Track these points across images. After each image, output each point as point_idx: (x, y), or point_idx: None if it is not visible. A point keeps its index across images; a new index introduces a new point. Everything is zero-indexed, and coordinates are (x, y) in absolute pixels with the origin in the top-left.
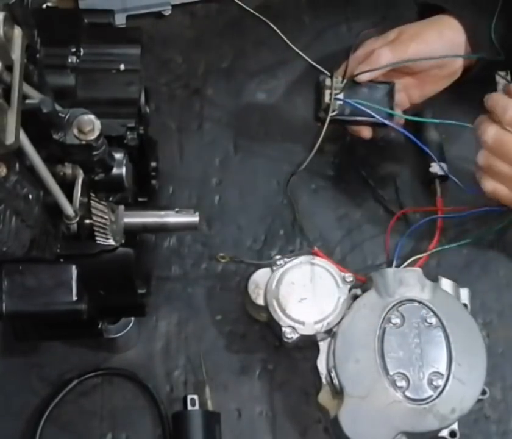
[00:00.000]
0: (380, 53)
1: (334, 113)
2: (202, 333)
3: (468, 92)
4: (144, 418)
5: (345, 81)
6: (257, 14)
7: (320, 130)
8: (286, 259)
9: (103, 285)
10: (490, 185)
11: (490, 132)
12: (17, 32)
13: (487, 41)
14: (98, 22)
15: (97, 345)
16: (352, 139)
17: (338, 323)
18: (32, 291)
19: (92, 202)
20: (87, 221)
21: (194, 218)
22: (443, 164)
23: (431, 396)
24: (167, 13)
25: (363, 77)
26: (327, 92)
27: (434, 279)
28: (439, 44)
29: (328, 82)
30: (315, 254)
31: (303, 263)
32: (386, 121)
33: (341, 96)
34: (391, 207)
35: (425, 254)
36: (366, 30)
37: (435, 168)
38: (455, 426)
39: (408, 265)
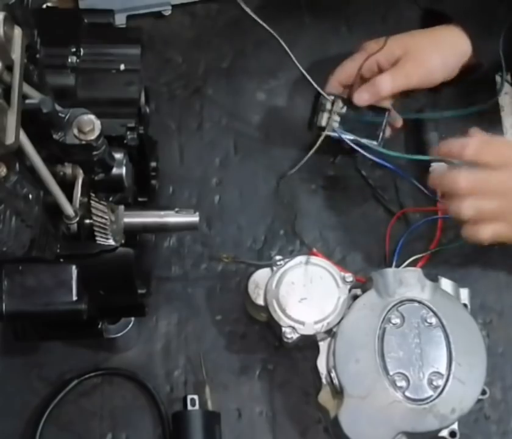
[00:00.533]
0: (381, 83)
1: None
2: (202, 333)
3: (468, 92)
4: (144, 418)
5: (344, 108)
6: (256, 17)
7: (314, 143)
8: (286, 259)
9: (103, 285)
10: (487, 231)
11: (462, 181)
12: (17, 32)
13: (491, 51)
14: (98, 22)
15: (97, 345)
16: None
17: (338, 323)
18: (32, 291)
19: (92, 202)
20: (87, 221)
21: (194, 218)
22: (443, 165)
23: (431, 396)
24: (167, 13)
25: (361, 101)
26: (325, 115)
27: (434, 279)
28: (443, 68)
29: (328, 105)
30: (313, 255)
31: (303, 263)
32: (378, 160)
33: (337, 124)
34: (391, 207)
35: (425, 254)
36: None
37: (435, 168)
38: (455, 426)
39: (408, 265)
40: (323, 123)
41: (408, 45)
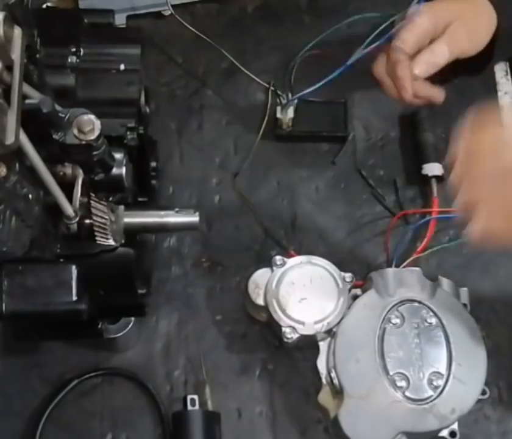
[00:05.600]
0: (439, 52)
1: (290, 129)
2: (202, 333)
3: (468, 92)
4: (144, 418)
5: (294, 98)
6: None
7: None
8: (285, 259)
9: (103, 285)
10: (485, 221)
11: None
12: (17, 32)
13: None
14: (98, 22)
15: (97, 345)
16: (353, 138)
17: (338, 323)
18: (32, 291)
19: (92, 202)
20: (87, 221)
21: (194, 218)
22: (438, 165)
23: (431, 396)
24: (167, 13)
25: (423, 72)
26: (278, 108)
27: (434, 279)
28: (488, 32)
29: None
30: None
31: (303, 263)
32: None
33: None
34: (391, 207)
35: (423, 254)
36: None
37: (427, 169)
38: (455, 426)
39: (408, 265)
40: (278, 114)
41: (455, 11)
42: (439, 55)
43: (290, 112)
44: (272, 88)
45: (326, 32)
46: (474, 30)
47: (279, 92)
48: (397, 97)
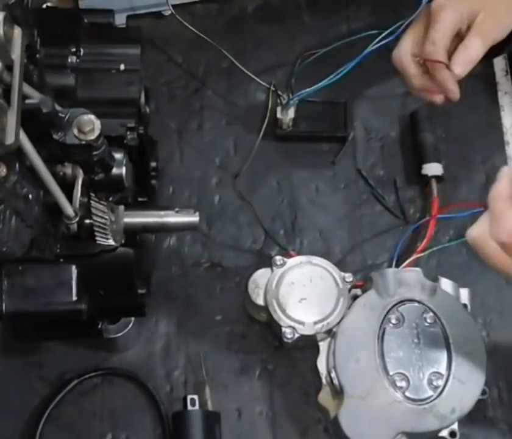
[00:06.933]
0: (474, 48)
1: (290, 129)
2: (202, 333)
3: (468, 93)
4: (144, 418)
5: (295, 98)
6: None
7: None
8: (285, 259)
9: (103, 285)
10: None
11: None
12: (17, 32)
13: None
14: (98, 22)
15: (97, 345)
16: (353, 139)
17: (338, 323)
18: (32, 291)
19: (92, 202)
20: (87, 221)
21: (194, 218)
22: (438, 165)
23: (431, 396)
24: (167, 13)
25: (461, 71)
26: (278, 109)
27: (434, 279)
28: (510, 14)
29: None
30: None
31: (303, 263)
32: None
33: (291, 104)
34: (391, 207)
35: (422, 254)
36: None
37: (426, 169)
38: (455, 426)
39: (408, 265)
40: (279, 114)
41: (480, 1)
42: (474, 50)
43: (291, 112)
44: (272, 88)
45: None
46: (500, 16)
47: (279, 92)
48: (424, 94)
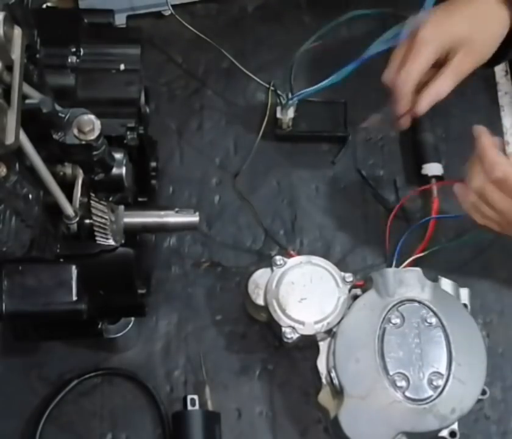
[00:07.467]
0: (443, 88)
1: (290, 129)
2: (202, 333)
3: (468, 93)
4: (144, 418)
5: (294, 98)
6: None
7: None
8: (285, 259)
9: (103, 285)
10: (480, 220)
11: (476, 182)
12: (17, 32)
13: None
14: (98, 22)
15: (97, 345)
16: (353, 138)
17: (338, 323)
18: (32, 291)
19: (92, 202)
20: (87, 221)
21: (194, 218)
22: (438, 165)
23: (431, 396)
24: (167, 13)
25: (424, 108)
26: (278, 108)
27: (434, 279)
28: (493, 46)
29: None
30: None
31: (303, 263)
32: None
33: (291, 104)
34: (391, 207)
35: (423, 253)
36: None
37: (427, 169)
38: (455, 426)
39: (408, 265)
40: (279, 114)
41: (463, 33)
42: (444, 89)
43: (290, 112)
44: (272, 88)
45: (325, 28)
46: (478, 52)
47: (279, 92)
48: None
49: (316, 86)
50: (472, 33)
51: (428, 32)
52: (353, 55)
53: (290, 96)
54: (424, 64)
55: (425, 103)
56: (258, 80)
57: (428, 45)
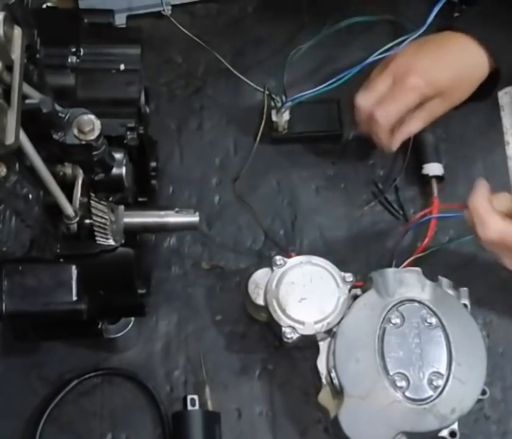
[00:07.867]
0: (413, 129)
1: (286, 131)
2: (202, 333)
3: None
4: (144, 418)
5: (288, 101)
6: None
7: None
8: (285, 259)
9: (103, 285)
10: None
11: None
12: (17, 32)
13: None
14: (98, 22)
15: (97, 345)
16: (353, 138)
17: (338, 323)
18: (32, 291)
19: (92, 202)
20: (87, 221)
21: (194, 218)
22: (438, 165)
23: (431, 396)
24: (169, 12)
25: (395, 146)
26: (273, 112)
27: (434, 279)
28: (468, 91)
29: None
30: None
31: (303, 263)
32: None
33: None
34: (391, 207)
35: (423, 253)
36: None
37: (427, 169)
38: (455, 426)
39: (408, 265)
40: (274, 117)
41: (445, 82)
42: (415, 129)
43: (286, 115)
44: (266, 92)
45: (324, 32)
46: (458, 96)
47: (273, 96)
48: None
49: (311, 91)
50: (453, 82)
51: (418, 80)
52: (350, 59)
53: (284, 99)
54: (405, 109)
55: (397, 142)
56: (253, 84)
57: (416, 92)
